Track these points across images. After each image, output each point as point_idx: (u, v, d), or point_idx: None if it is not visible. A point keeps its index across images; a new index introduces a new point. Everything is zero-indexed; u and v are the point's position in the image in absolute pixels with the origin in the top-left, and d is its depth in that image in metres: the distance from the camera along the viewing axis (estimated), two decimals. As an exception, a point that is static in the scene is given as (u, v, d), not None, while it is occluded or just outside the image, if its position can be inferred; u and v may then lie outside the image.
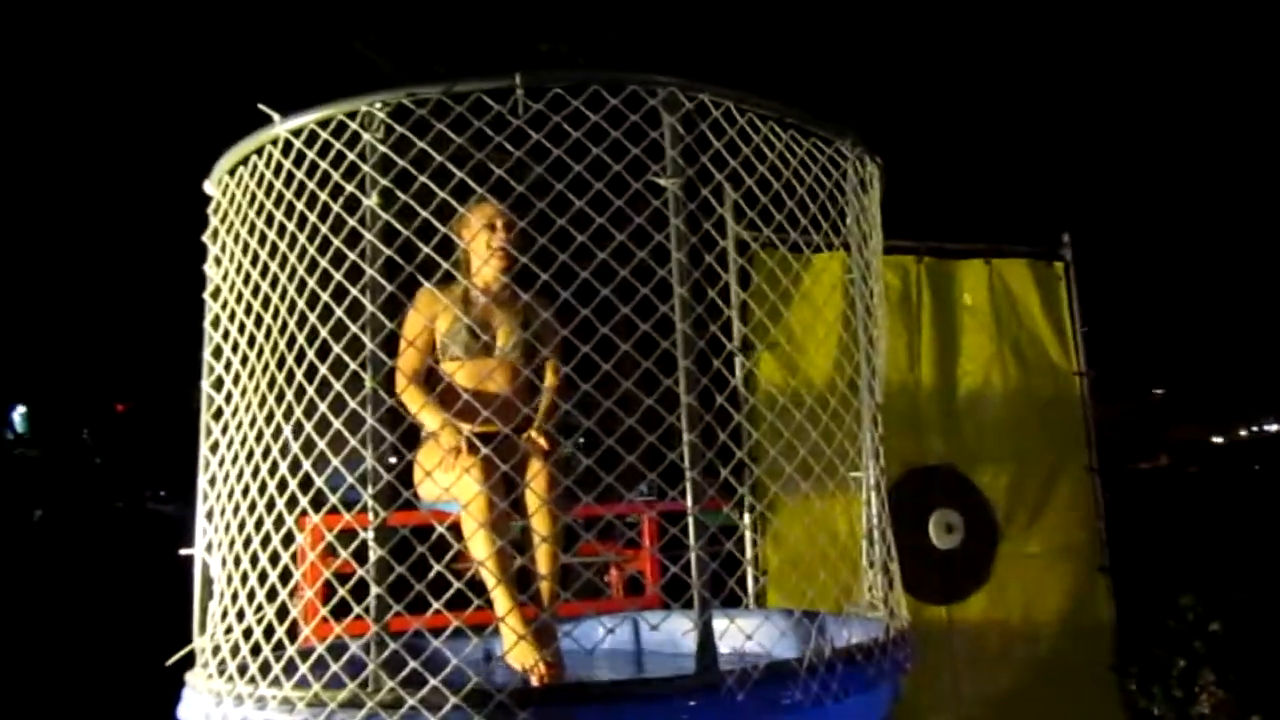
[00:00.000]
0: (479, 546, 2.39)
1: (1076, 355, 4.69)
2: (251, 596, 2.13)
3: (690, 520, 2.02)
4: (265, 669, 2.05)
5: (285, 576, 2.18)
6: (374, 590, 1.97)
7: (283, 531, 2.10)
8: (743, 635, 2.13)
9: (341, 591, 1.99)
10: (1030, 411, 4.53)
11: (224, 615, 2.20)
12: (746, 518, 3.56)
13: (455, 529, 2.86)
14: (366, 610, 1.98)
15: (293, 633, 2.18)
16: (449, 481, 2.39)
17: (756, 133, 2.24)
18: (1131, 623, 4.75)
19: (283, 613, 2.13)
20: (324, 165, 2.15)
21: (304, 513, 2.09)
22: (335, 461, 2.03)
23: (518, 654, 2.32)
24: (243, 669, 2.10)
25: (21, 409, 26.21)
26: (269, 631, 2.11)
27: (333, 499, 2.02)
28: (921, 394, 4.31)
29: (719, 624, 2.04)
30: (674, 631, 2.82)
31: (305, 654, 2.04)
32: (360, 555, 2.03)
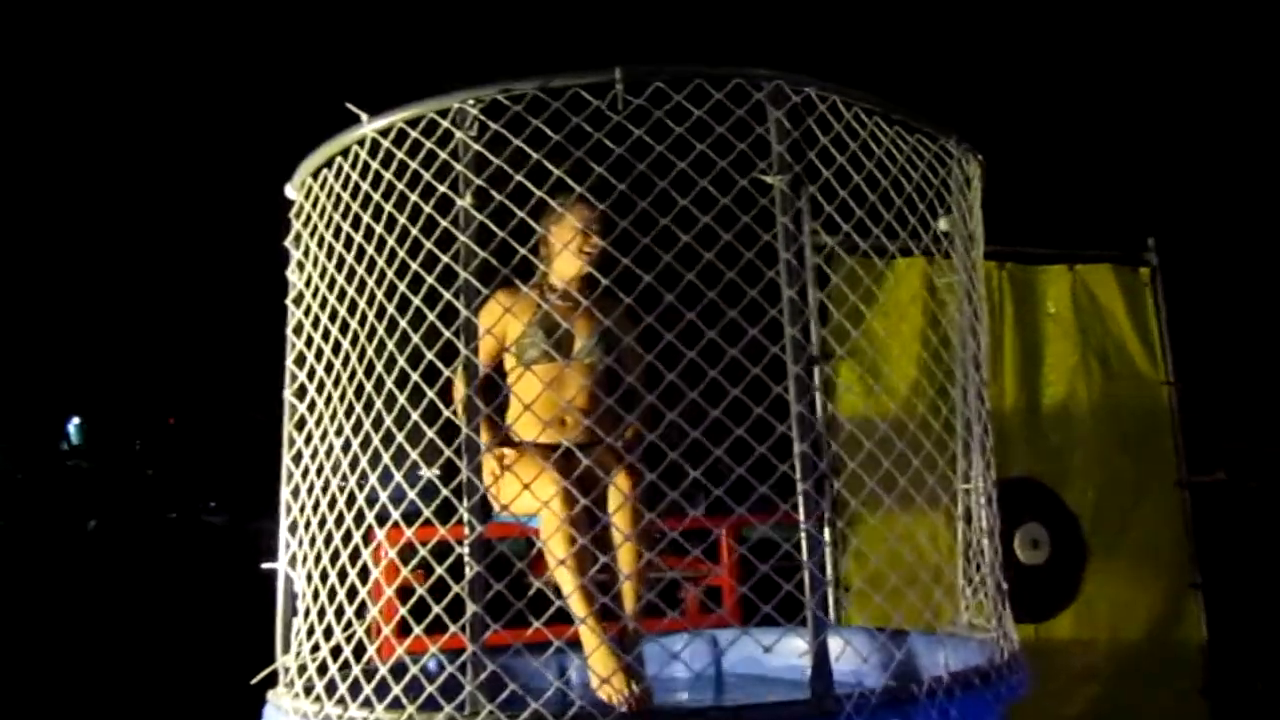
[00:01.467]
0: (562, 575, 2.27)
1: (1165, 364, 4.50)
2: (340, 613, 2.05)
3: (803, 535, 1.91)
4: (355, 689, 1.97)
5: (371, 592, 2.10)
6: (470, 607, 1.88)
7: (373, 546, 2.02)
8: (858, 656, 2.00)
9: (437, 609, 1.90)
10: (1117, 423, 4.35)
11: (310, 632, 2.12)
12: (827, 533, 3.43)
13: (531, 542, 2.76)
14: (463, 629, 1.89)
15: (377, 650, 2.10)
16: (519, 494, 2.27)
17: (863, 128, 2.14)
18: (1222, 643, 4.55)
19: (372, 630, 2.05)
20: (414, 165, 2.07)
21: (395, 525, 2.01)
22: (429, 472, 1.94)
23: (608, 687, 2.20)
24: (331, 688, 2.02)
25: (76, 420, 26.64)
26: (359, 650, 2.03)
27: (426, 512, 1.94)
28: (1004, 405, 4.15)
29: (834, 649, 1.92)
30: (753, 652, 2.70)
31: (398, 674, 1.96)
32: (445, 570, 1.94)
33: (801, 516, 1.92)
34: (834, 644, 1.91)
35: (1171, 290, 4.61)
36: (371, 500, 2.05)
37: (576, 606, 2.21)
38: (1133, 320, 4.47)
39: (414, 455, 1.97)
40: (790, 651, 2.16)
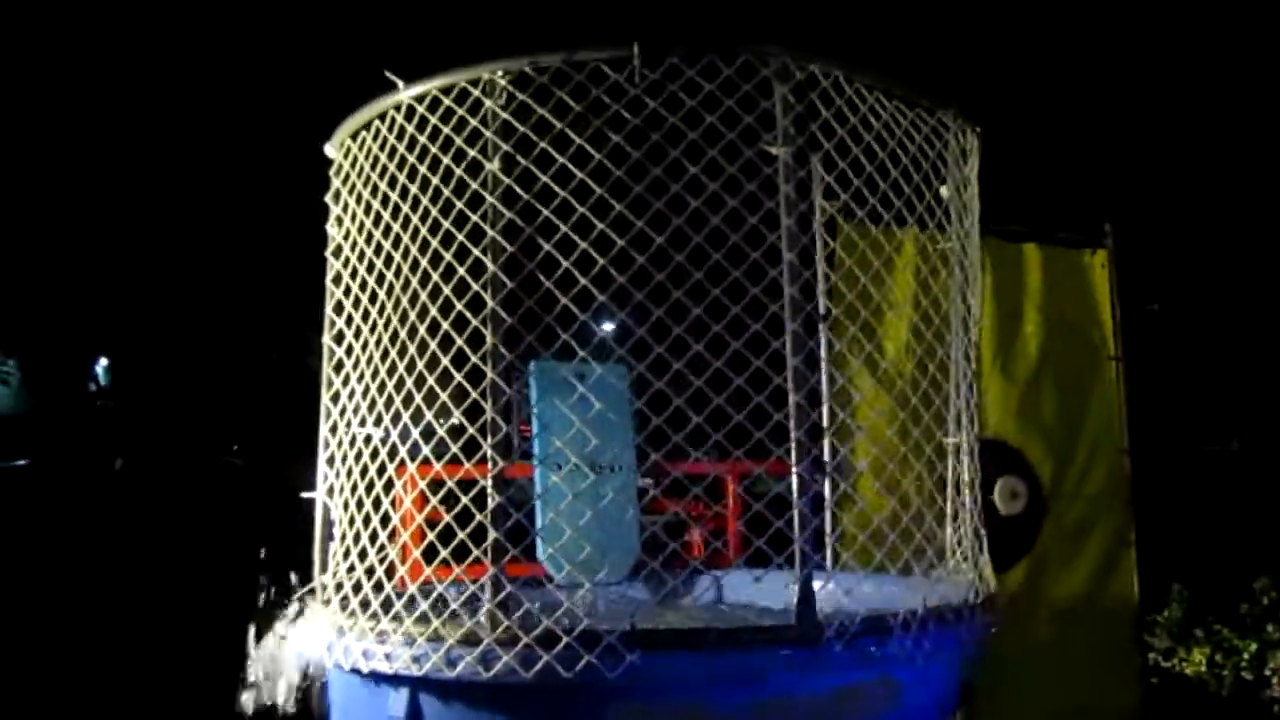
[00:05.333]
0: None
1: (1115, 341, 4.58)
2: (374, 538, 2.10)
3: (794, 478, 1.96)
4: (386, 606, 2.03)
5: (402, 520, 2.15)
6: (491, 534, 1.94)
7: (404, 479, 2.07)
8: (839, 594, 2.06)
9: (462, 535, 1.95)
10: (1075, 393, 4.44)
11: (346, 554, 2.17)
12: (828, 483, 3.43)
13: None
14: (484, 555, 1.94)
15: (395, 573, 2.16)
16: None
17: (863, 103, 2.16)
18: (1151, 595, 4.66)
19: (401, 554, 2.10)
20: (446, 130, 2.09)
21: (425, 462, 2.05)
22: (457, 415, 1.99)
23: None
24: (364, 605, 2.07)
25: (104, 361, 26.44)
26: (389, 572, 2.09)
27: (454, 448, 1.99)
28: (982, 369, 4.21)
29: (820, 583, 1.98)
30: (753, 591, 2.77)
31: (424, 593, 2.01)
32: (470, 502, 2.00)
33: (793, 462, 1.97)
34: (824, 582, 1.96)
35: (1123, 272, 4.70)
36: (402, 438, 2.09)
37: None
38: (1091, 300, 4.55)
39: (443, 397, 2.01)
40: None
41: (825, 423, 2.86)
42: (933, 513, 2.63)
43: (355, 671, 2.06)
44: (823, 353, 3.17)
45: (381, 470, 2.11)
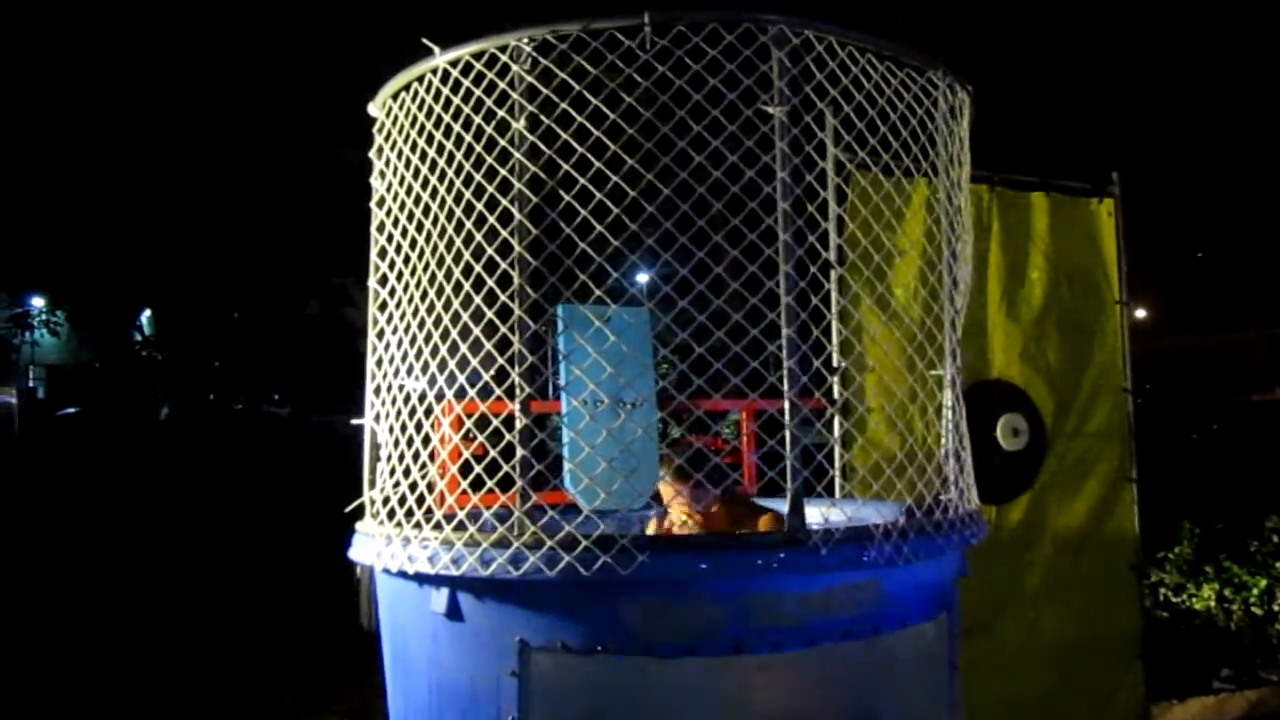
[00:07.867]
0: None
1: (1120, 287, 4.74)
2: (416, 456, 2.38)
3: (786, 403, 2.20)
4: (428, 516, 2.31)
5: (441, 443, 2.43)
6: (520, 452, 2.20)
7: (441, 405, 2.33)
8: (837, 516, 2.31)
9: (493, 453, 2.22)
10: (1080, 335, 4.62)
11: (392, 473, 2.46)
12: (838, 420, 3.65)
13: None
14: (513, 470, 2.21)
15: (446, 487, 2.44)
16: None
17: (855, 64, 2.35)
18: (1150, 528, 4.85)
19: (441, 473, 2.38)
20: (478, 92, 2.32)
21: (460, 393, 2.32)
22: (488, 345, 2.24)
23: None
24: (409, 515, 2.36)
25: (148, 312, 27.13)
26: (430, 487, 2.37)
27: (485, 376, 2.24)
28: (988, 314, 4.41)
29: (815, 511, 2.24)
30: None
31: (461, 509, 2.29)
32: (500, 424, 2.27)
33: (786, 389, 2.20)
34: (815, 510, 2.21)
35: (1129, 220, 4.84)
36: (440, 368, 2.36)
37: None
38: (1098, 246, 4.70)
39: (476, 331, 2.26)
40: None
41: (835, 362, 3.09)
42: (930, 439, 2.85)
43: (401, 574, 2.34)
44: (833, 294, 3.37)
45: (422, 398, 2.39)
